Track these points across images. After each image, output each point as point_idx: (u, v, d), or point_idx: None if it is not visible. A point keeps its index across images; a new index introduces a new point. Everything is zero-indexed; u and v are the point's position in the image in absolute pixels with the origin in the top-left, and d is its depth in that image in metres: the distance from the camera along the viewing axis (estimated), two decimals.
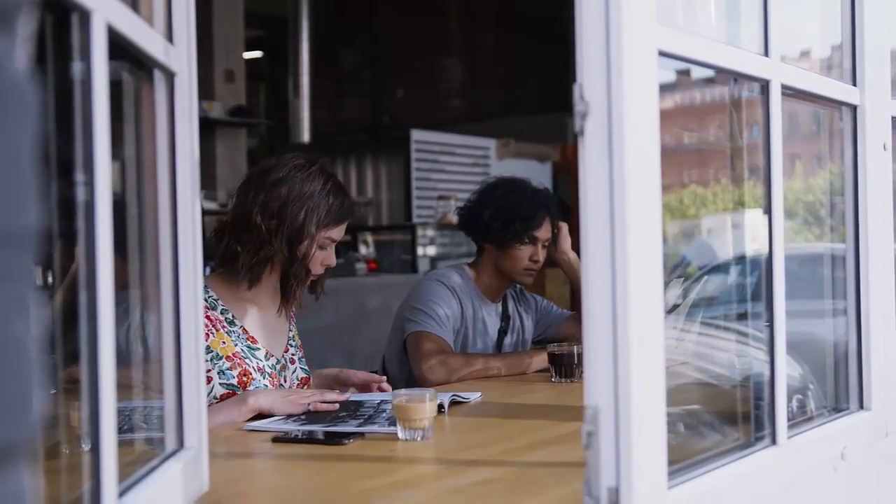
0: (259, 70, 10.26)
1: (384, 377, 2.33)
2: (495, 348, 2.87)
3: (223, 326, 2.14)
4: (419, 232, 7.30)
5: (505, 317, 2.92)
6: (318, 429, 1.84)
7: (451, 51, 10.16)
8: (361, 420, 1.91)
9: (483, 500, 1.41)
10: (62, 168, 0.90)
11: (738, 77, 1.49)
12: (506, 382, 2.55)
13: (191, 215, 1.27)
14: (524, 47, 9.30)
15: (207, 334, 2.09)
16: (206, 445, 1.32)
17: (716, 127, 1.75)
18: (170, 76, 1.25)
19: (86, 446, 0.93)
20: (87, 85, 0.90)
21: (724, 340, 1.77)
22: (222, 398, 2.07)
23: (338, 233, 2.21)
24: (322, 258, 2.20)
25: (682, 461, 1.24)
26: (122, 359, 1.00)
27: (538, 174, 6.69)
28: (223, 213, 3.29)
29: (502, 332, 2.90)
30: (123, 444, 1.01)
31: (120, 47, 1.01)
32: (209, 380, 2.06)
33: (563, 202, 3.06)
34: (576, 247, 2.86)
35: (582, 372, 1.15)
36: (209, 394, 2.05)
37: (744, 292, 1.72)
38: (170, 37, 1.24)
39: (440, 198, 7.60)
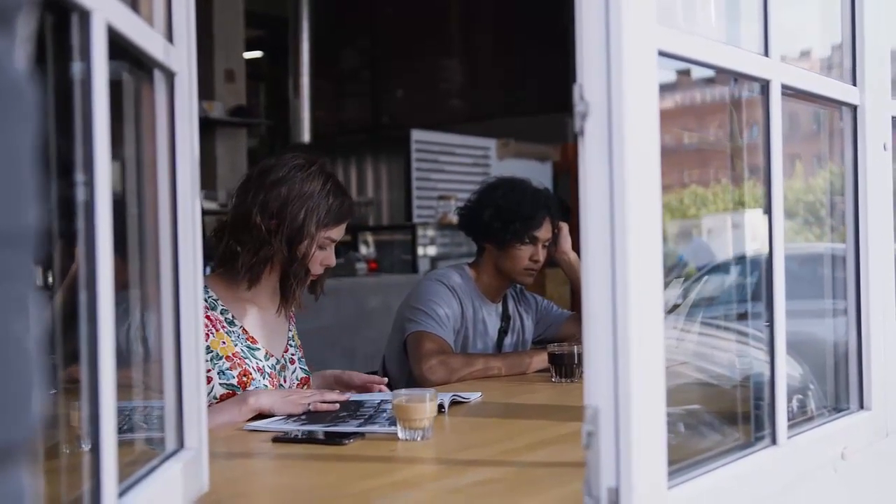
0: (259, 70, 10.25)
1: (385, 379, 2.33)
2: (495, 348, 2.87)
3: (223, 326, 2.14)
4: (419, 232, 7.30)
5: (505, 317, 2.92)
6: (319, 429, 1.84)
7: (450, 51, 10.15)
8: (361, 420, 1.91)
9: (483, 500, 1.41)
10: (62, 168, 0.90)
11: (738, 77, 1.49)
12: (506, 382, 2.55)
13: (191, 215, 1.27)
14: (524, 48, 9.29)
15: (207, 334, 2.09)
16: (206, 445, 1.32)
17: (716, 127, 1.75)
18: (170, 76, 1.25)
19: (86, 446, 0.93)
20: (87, 85, 0.90)
21: (725, 340, 1.77)
22: (222, 398, 2.07)
23: (337, 233, 2.21)
24: (322, 258, 2.19)
25: (682, 461, 1.24)
26: (122, 359, 1.00)
27: (538, 174, 6.68)
28: (223, 213, 3.29)
29: (502, 332, 2.90)
30: (123, 444, 1.01)
31: (120, 47, 1.01)
32: (209, 380, 2.06)
33: (563, 202, 3.07)
34: (576, 247, 2.87)
35: (582, 372, 1.15)
36: (209, 394, 2.05)
37: (744, 292, 1.72)
38: (170, 37, 1.24)
39: (440, 198, 7.60)
